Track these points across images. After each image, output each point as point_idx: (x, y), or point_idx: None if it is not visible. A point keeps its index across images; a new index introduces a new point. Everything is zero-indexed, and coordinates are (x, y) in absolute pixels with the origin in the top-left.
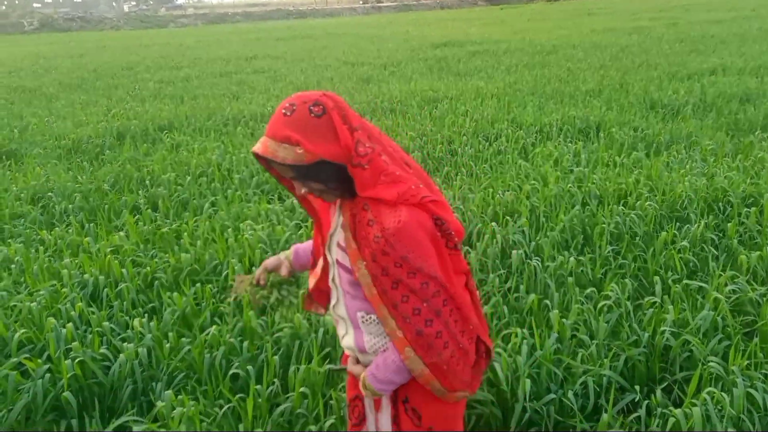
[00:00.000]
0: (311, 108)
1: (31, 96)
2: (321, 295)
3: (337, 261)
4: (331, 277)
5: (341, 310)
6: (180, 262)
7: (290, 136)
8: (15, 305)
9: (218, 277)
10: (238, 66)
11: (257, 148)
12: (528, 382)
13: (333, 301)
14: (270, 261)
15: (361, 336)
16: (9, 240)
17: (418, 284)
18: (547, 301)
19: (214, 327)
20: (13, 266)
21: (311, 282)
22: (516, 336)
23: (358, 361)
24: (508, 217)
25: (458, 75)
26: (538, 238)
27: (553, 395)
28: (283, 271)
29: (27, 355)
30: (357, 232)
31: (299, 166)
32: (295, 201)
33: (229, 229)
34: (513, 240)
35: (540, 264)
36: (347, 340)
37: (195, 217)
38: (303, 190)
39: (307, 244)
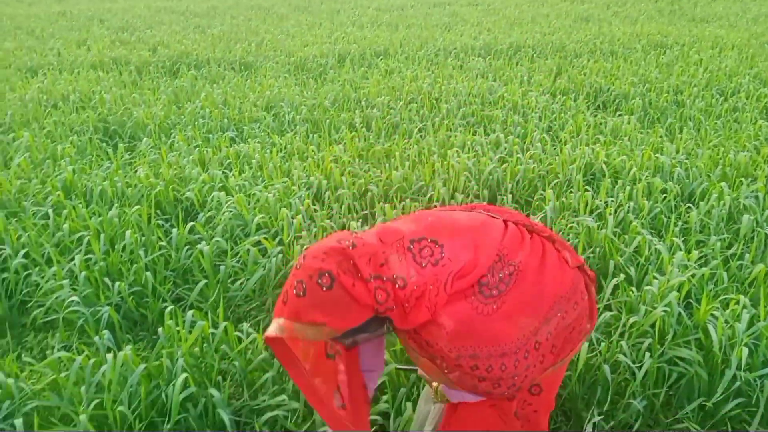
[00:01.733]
0: (319, 282)
1: (265, 14)
2: None
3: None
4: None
5: None
6: (390, 179)
7: (314, 318)
8: (254, 194)
9: (423, 197)
10: None
11: (278, 332)
12: (745, 350)
13: None
14: None
15: None
16: (248, 140)
17: (498, 369)
18: None
19: None
20: (254, 161)
21: None
22: (736, 303)
23: None
24: (742, 179)
25: (693, 20)
26: None
27: None
28: None
29: (264, 236)
30: (420, 352)
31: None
32: (501, 135)
33: (435, 155)
34: (744, 204)
35: None
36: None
37: (404, 140)
38: (348, 342)
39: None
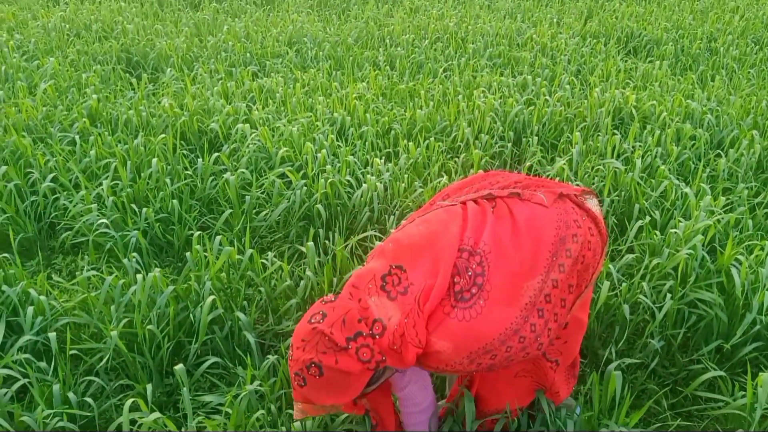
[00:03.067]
0: (311, 372)
1: None
2: None
3: None
4: None
5: None
6: (414, 118)
7: (323, 402)
8: (278, 127)
9: (447, 137)
10: None
11: (301, 414)
12: (767, 294)
13: None
14: None
15: None
16: (271, 74)
17: (517, 344)
18: None
19: (445, 178)
20: (277, 96)
21: None
22: (761, 249)
23: None
24: None
25: None
26: None
27: None
28: None
29: (289, 168)
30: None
31: None
32: (529, 77)
33: (461, 96)
34: None
35: None
36: None
37: (429, 80)
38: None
39: None
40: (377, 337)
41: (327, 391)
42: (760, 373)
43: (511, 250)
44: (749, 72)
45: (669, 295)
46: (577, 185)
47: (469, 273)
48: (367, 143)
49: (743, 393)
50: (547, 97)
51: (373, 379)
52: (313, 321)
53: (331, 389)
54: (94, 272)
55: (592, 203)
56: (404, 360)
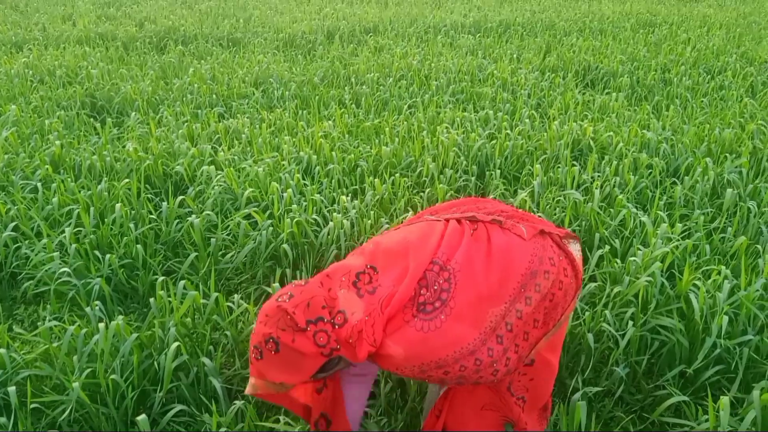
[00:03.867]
0: (268, 347)
1: None
2: None
3: None
4: None
5: None
6: (380, 154)
7: (274, 378)
8: (244, 168)
9: (412, 173)
10: None
11: (252, 390)
12: (725, 318)
13: None
14: None
15: None
16: (237, 115)
17: (472, 365)
18: (759, 246)
19: (410, 213)
20: (243, 136)
21: None
22: (718, 274)
23: None
24: (726, 154)
25: None
26: (757, 181)
27: (750, 336)
28: None
29: (255, 208)
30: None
31: None
32: (490, 112)
33: (425, 132)
34: (728, 179)
35: (756, 207)
36: None
37: (394, 117)
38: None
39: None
40: (337, 326)
41: (280, 368)
42: (722, 396)
43: (481, 273)
44: (702, 101)
45: (631, 323)
46: (559, 227)
47: (435, 287)
48: (333, 181)
49: (706, 417)
50: (509, 131)
51: (326, 366)
52: (279, 300)
53: (284, 366)
54: (56, 322)
55: (574, 247)
56: (356, 355)
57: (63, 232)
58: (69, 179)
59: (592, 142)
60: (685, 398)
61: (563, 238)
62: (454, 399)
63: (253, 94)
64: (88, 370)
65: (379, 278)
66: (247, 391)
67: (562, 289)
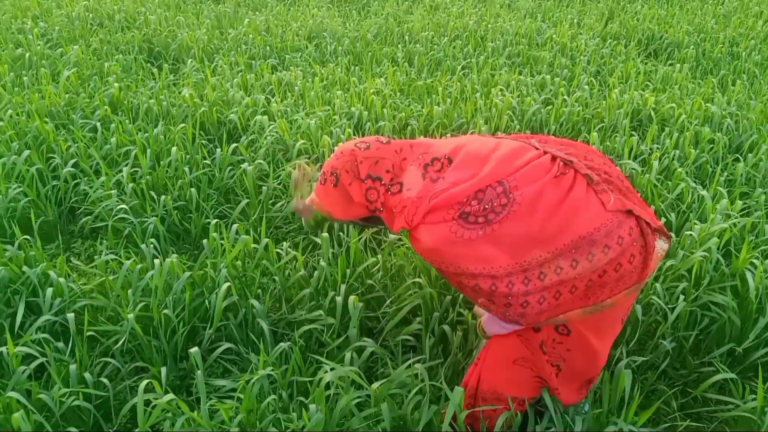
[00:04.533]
0: (330, 178)
1: None
2: None
3: None
4: None
5: None
6: (431, 114)
7: (323, 206)
8: (296, 120)
9: (463, 134)
10: None
11: (309, 201)
12: None
13: None
14: None
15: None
16: (290, 67)
17: (471, 286)
18: None
19: None
20: (295, 89)
21: None
22: None
23: None
24: None
25: None
26: None
27: None
28: None
29: (306, 160)
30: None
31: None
32: (547, 77)
33: (478, 94)
34: None
35: None
36: None
37: (447, 77)
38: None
39: None
40: (389, 192)
41: (332, 200)
42: None
43: (541, 214)
44: None
45: (682, 297)
46: (657, 220)
47: (487, 205)
48: None
49: (753, 396)
50: (566, 97)
51: (369, 218)
52: (358, 145)
53: (335, 200)
54: (113, 256)
55: (659, 244)
56: (393, 224)
57: (120, 171)
58: (127, 121)
59: (652, 113)
60: (733, 376)
61: (654, 231)
62: (489, 350)
63: (306, 47)
64: (142, 304)
65: (449, 171)
66: (298, 204)
67: (619, 272)
